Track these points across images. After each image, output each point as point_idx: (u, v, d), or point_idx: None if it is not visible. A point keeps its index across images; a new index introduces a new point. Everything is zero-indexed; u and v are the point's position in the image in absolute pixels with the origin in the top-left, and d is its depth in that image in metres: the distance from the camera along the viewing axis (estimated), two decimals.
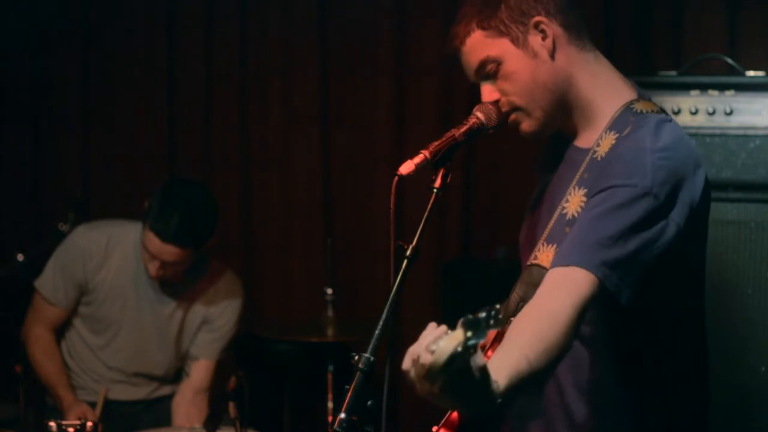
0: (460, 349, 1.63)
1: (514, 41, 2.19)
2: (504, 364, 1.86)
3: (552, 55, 2.19)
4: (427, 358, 1.68)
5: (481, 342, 1.75)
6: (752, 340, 3.30)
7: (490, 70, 2.22)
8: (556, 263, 2.04)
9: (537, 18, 2.19)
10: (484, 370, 1.74)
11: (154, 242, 3.51)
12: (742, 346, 3.30)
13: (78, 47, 4.84)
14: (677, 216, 2.06)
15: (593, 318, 2.12)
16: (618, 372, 2.19)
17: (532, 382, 1.94)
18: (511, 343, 1.94)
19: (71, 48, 4.84)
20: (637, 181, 2.03)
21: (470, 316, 1.62)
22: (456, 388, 1.72)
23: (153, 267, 3.57)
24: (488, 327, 1.63)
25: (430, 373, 1.69)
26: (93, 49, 4.84)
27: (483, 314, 1.63)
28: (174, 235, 3.49)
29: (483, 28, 2.20)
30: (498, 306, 1.65)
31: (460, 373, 1.69)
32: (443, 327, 1.72)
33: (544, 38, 2.19)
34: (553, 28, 2.20)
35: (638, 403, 2.18)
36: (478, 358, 1.73)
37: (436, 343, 1.66)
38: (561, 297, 1.98)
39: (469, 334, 1.62)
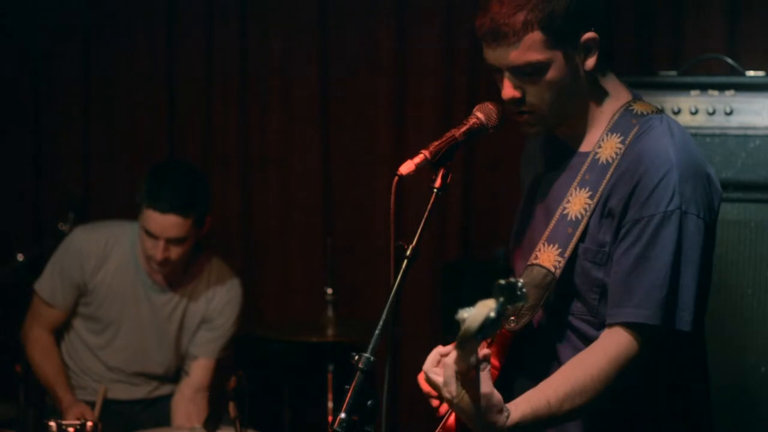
0: (492, 314, 1.65)
1: (565, 54, 2.15)
2: (523, 399, 1.99)
3: (587, 73, 2.18)
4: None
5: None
6: (752, 340, 3.30)
7: (529, 72, 2.16)
8: (610, 320, 2.10)
9: (590, 35, 2.15)
10: (489, 397, 1.84)
11: (154, 218, 3.52)
12: (742, 346, 3.30)
13: (78, 47, 4.84)
14: (703, 213, 2.11)
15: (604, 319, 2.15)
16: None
17: (552, 423, 2.05)
18: (539, 386, 2.05)
19: (71, 48, 4.84)
20: (667, 204, 2.07)
21: (502, 282, 1.66)
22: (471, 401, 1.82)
23: (158, 250, 3.55)
24: (517, 297, 1.66)
25: (464, 339, 1.72)
26: (93, 49, 4.84)
27: (513, 280, 1.66)
28: (171, 203, 3.52)
29: (544, 31, 2.12)
30: (522, 280, 1.69)
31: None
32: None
33: (587, 56, 2.17)
34: (598, 46, 2.17)
35: (647, 398, 2.18)
36: (485, 385, 1.83)
37: (466, 311, 1.69)
38: (599, 350, 2.08)
39: (502, 299, 1.65)
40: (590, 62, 2.17)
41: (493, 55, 2.17)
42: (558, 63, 2.15)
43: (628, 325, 2.07)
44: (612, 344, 2.07)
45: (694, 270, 2.09)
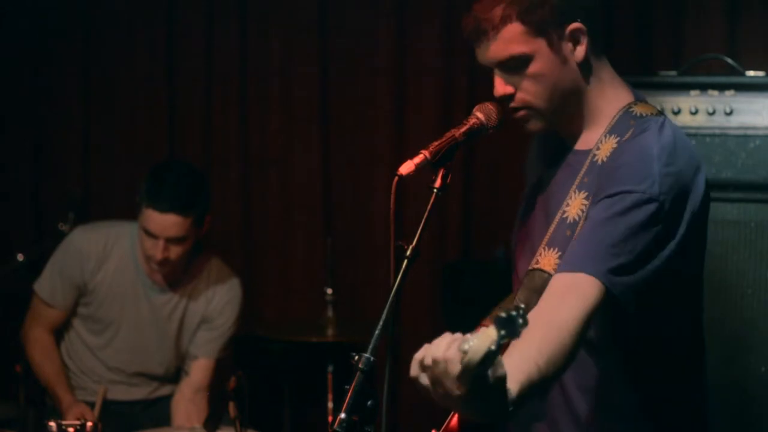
0: (494, 347, 1.63)
1: (550, 44, 2.15)
2: (514, 371, 1.86)
3: (579, 64, 2.18)
4: (452, 355, 1.67)
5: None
6: (752, 340, 3.30)
7: (516, 66, 2.16)
8: (562, 269, 2.04)
9: (575, 25, 2.15)
10: (503, 379, 1.75)
11: (154, 218, 3.52)
12: (742, 346, 3.30)
13: (78, 48, 4.84)
14: (680, 225, 2.07)
15: (595, 320, 2.13)
16: (620, 372, 2.19)
17: (541, 390, 1.95)
18: (521, 351, 1.92)
19: (71, 49, 4.85)
20: (645, 187, 2.03)
21: (503, 314, 1.62)
22: (475, 395, 1.72)
23: (157, 250, 3.55)
24: (519, 326, 1.63)
25: (465, 372, 1.68)
26: (93, 49, 4.84)
27: (514, 312, 1.63)
28: (171, 202, 3.52)
29: (523, 22, 2.12)
30: (524, 305, 1.66)
31: (483, 378, 1.69)
32: (458, 334, 1.73)
33: (575, 45, 2.16)
34: (585, 36, 2.17)
35: (641, 402, 2.18)
36: (500, 368, 1.74)
37: (467, 342, 1.66)
38: (569, 305, 1.98)
39: (503, 332, 1.62)
40: (579, 53, 2.17)
41: (481, 54, 2.18)
42: (543, 54, 2.15)
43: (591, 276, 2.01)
44: (581, 296, 1.98)
45: (655, 263, 2.04)
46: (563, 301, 1.99)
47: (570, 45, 2.16)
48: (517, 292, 2.25)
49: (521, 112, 2.21)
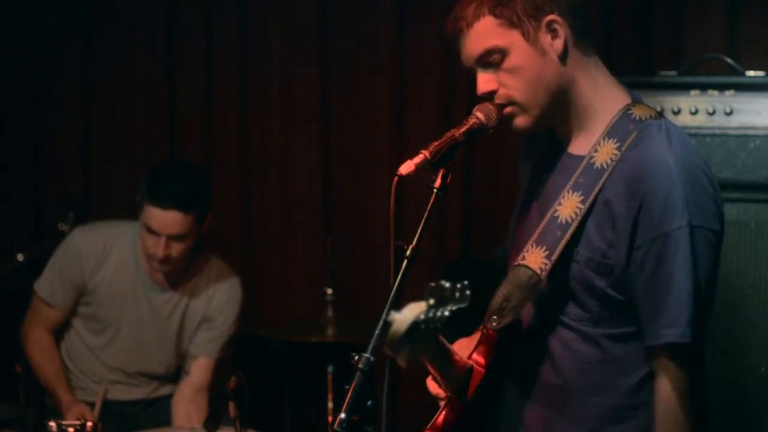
0: (422, 317, 1.62)
1: (525, 35, 2.15)
2: None
3: (559, 56, 2.17)
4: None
5: (463, 349, 1.73)
6: (752, 340, 3.30)
7: (493, 60, 2.17)
8: (647, 342, 2.11)
9: (551, 17, 2.15)
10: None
11: (156, 215, 3.52)
12: (742, 346, 3.30)
13: (78, 47, 4.84)
14: (713, 223, 2.11)
15: (598, 323, 2.14)
16: (627, 372, 2.20)
17: None
18: None
19: (71, 48, 4.85)
20: (679, 220, 2.06)
21: (432, 284, 1.62)
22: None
23: (159, 248, 3.55)
24: (453, 299, 1.62)
25: (392, 342, 1.68)
26: (93, 49, 4.84)
27: (447, 284, 1.62)
28: (173, 199, 3.53)
29: (495, 15, 2.15)
30: (466, 282, 1.64)
31: (415, 348, 1.72)
32: None
33: (554, 38, 2.16)
34: (564, 29, 2.17)
35: (642, 402, 2.18)
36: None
37: (401, 312, 1.65)
38: (663, 382, 2.11)
39: (432, 301, 1.61)
40: (557, 45, 2.16)
41: (461, 54, 2.21)
42: (518, 47, 2.15)
43: (667, 348, 2.09)
44: (670, 368, 2.10)
45: (709, 286, 2.10)
46: (659, 377, 2.12)
47: (548, 38, 2.17)
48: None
49: (507, 108, 2.21)
